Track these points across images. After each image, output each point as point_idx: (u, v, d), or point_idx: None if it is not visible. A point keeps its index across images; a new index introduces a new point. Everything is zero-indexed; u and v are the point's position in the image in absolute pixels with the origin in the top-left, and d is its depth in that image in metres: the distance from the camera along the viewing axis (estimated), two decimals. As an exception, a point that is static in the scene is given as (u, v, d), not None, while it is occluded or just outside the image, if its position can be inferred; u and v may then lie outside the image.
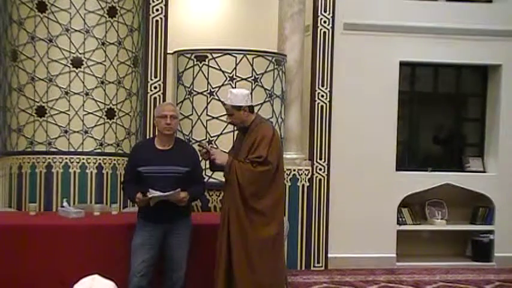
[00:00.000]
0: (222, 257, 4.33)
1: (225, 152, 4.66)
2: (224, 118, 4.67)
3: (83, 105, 6.12)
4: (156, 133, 4.57)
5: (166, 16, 6.54)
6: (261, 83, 6.32)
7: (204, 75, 6.28)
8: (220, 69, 6.26)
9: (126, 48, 6.35)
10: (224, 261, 4.32)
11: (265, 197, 4.36)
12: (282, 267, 4.60)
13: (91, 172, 6.17)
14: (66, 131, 6.10)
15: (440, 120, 8.20)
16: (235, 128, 4.65)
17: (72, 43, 6.10)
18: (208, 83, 6.27)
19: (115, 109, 6.27)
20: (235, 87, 6.14)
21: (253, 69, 6.30)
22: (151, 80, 6.51)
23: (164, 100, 6.54)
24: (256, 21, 7.50)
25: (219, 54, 6.27)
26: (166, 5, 6.54)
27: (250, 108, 4.48)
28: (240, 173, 4.30)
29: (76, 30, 6.10)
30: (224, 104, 4.51)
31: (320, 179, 7.02)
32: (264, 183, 4.34)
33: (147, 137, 6.32)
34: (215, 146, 4.76)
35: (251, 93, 6.15)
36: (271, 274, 4.38)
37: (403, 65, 7.47)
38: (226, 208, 4.39)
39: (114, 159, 6.26)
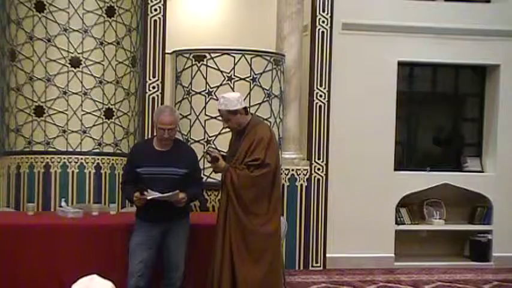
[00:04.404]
0: (226, 257, 4.33)
1: (223, 152, 4.67)
2: (222, 121, 4.65)
3: (81, 105, 6.11)
4: (155, 133, 4.56)
5: (164, 16, 6.54)
6: (259, 82, 6.32)
7: (203, 75, 6.28)
8: (219, 69, 6.25)
9: (125, 48, 6.34)
10: (228, 261, 4.32)
11: (265, 200, 4.37)
12: (280, 266, 4.61)
13: (89, 172, 6.16)
14: (64, 131, 6.09)
15: (439, 120, 8.20)
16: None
17: (70, 43, 6.09)
18: (206, 82, 6.27)
19: (113, 109, 6.26)
20: (233, 87, 6.15)
21: (251, 69, 6.30)
22: (149, 79, 6.51)
23: (163, 101, 6.53)
24: (255, 21, 7.50)
25: (218, 54, 6.27)
26: (164, 5, 6.53)
27: (245, 110, 4.49)
28: (237, 179, 4.31)
29: (74, 30, 6.09)
30: (219, 111, 4.49)
31: (318, 179, 7.02)
32: (264, 186, 4.35)
33: (146, 137, 6.32)
34: (213, 146, 4.76)
35: (249, 93, 6.22)
36: (271, 272, 4.39)
37: (401, 64, 7.47)
38: (224, 209, 4.39)
39: (113, 159, 6.26)
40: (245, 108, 4.49)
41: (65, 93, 6.08)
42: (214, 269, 4.37)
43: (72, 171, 6.11)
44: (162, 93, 6.55)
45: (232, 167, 4.37)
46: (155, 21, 6.51)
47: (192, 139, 6.25)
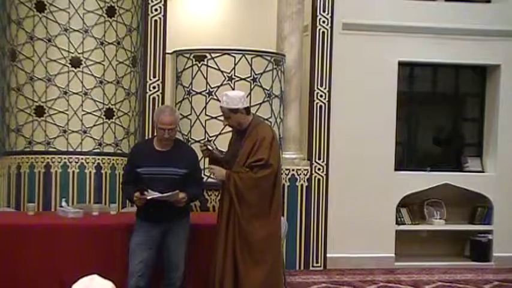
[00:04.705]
0: (228, 258, 4.33)
1: (223, 151, 4.67)
2: (223, 118, 4.66)
3: (82, 105, 6.12)
4: (155, 133, 4.56)
5: (165, 16, 6.54)
6: (259, 83, 6.33)
7: (203, 75, 6.28)
8: (219, 69, 6.26)
9: (125, 48, 6.34)
10: (230, 262, 4.32)
11: (267, 202, 4.36)
12: (280, 267, 4.61)
13: (90, 172, 6.16)
14: (64, 131, 6.10)
15: (439, 120, 8.19)
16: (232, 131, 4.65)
17: (70, 43, 6.09)
18: (207, 82, 6.27)
19: (114, 109, 6.26)
20: (234, 87, 6.14)
21: (252, 69, 6.30)
22: (150, 79, 6.51)
23: (163, 101, 6.54)
24: (255, 21, 7.51)
25: (218, 54, 6.27)
26: (165, 5, 6.53)
27: (247, 110, 4.48)
28: (240, 182, 4.29)
29: (75, 30, 6.10)
30: (220, 108, 4.50)
31: (319, 179, 7.02)
32: (266, 188, 4.34)
33: (146, 137, 6.32)
34: (214, 146, 4.76)
35: (250, 93, 6.22)
36: (272, 273, 4.39)
37: (402, 65, 7.47)
38: (227, 211, 4.38)
39: (113, 159, 6.26)
40: (247, 108, 4.48)
41: (65, 93, 6.08)
42: (216, 270, 4.37)
43: (73, 171, 6.11)
44: (163, 93, 6.56)
45: (234, 172, 4.35)
46: (155, 21, 6.52)
47: (193, 139, 6.25)
